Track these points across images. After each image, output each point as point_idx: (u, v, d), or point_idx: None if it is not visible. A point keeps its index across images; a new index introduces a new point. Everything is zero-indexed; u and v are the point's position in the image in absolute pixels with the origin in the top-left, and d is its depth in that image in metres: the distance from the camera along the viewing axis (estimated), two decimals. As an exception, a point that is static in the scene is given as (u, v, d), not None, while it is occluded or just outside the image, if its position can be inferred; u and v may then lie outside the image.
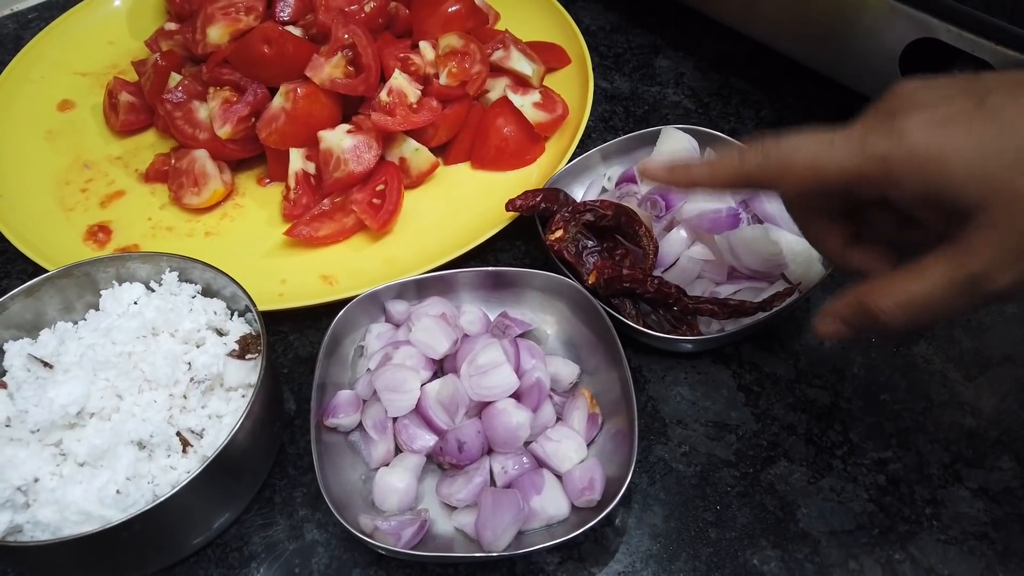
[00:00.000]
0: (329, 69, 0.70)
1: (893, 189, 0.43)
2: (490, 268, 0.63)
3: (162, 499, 0.45)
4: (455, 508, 0.54)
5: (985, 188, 0.40)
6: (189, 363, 0.54)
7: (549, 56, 0.83)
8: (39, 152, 0.79)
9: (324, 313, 0.65)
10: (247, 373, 0.54)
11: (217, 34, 0.73)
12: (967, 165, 0.40)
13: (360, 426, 0.57)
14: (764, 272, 0.62)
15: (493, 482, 0.54)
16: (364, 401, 0.58)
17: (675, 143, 0.69)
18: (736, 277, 0.63)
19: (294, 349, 0.65)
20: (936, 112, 0.42)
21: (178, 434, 0.50)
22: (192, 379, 0.52)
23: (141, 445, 0.50)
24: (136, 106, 0.79)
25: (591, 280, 0.61)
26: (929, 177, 0.41)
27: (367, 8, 0.73)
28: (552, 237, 0.63)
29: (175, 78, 0.76)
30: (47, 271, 0.59)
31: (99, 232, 0.72)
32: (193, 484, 0.46)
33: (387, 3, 0.75)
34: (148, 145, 0.80)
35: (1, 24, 0.96)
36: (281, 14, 0.74)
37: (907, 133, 0.42)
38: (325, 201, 0.71)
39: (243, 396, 0.54)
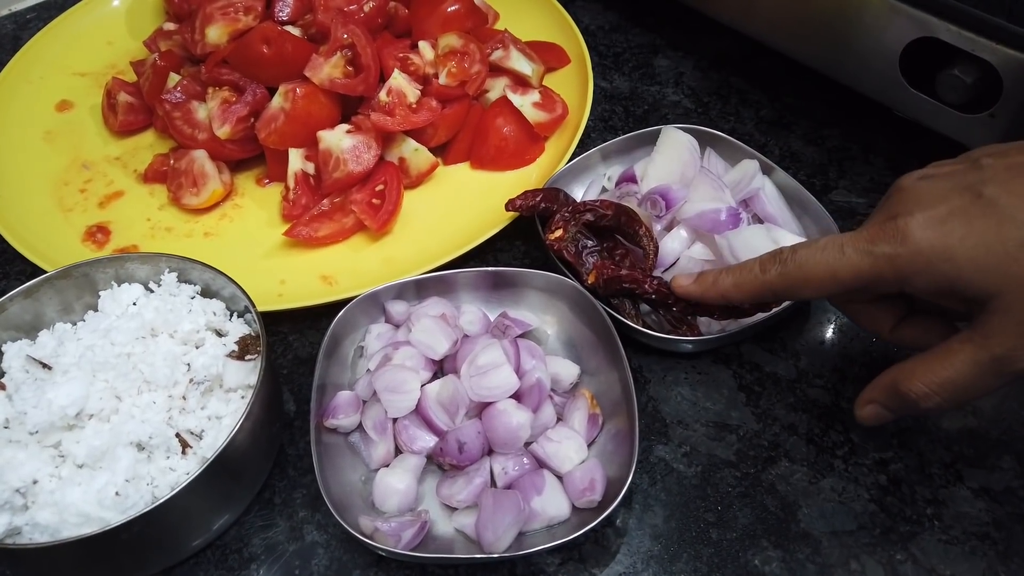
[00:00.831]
0: (328, 69, 0.70)
1: (907, 286, 0.46)
2: (490, 268, 0.63)
3: (161, 501, 0.45)
4: (455, 509, 0.54)
5: (993, 277, 0.43)
6: (188, 364, 0.53)
7: (548, 56, 0.83)
8: (38, 152, 0.79)
9: (324, 313, 0.65)
10: (247, 374, 0.54)
11: (216, 34, 0.73)
12: (972, 258, 0.43)
13: (360, 427, 0.57)
14: (764, 272, 0.62)
15: (493, 483, 0.54)
16: (364, 402, 0.57)
17: (675, 143, 0.68)
18: (736, 277, 0.63)
19: (293, 350, 0.65)
20: (936, 210, 0.44)
21: (177, 435, 0.50)
22: (191, 380, 0.52)
23: (140, 447, 0.49)
24: (135, 106, 0.79)
25: (590, 280, 0.61)
26: (937, 273, 0.44)
27: (366, 8, 0.73)
28: (552, 237, 0.63)
29: (174, 78, 0.75)
30: (46, 272, 0.59)
31: (98, 233, 0.71)
32: (193, 485, 0.46)
33: (386, 3, 0.75)
34: (147, 145, 0.80)
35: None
36: (280, 14, 0.74)
37: (910, 234, 0.45)
38: (324, 201, 0.71)
39: (242, 397, 0.54)
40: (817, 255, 0.48)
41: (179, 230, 0.72)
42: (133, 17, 0.92)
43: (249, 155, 0.75)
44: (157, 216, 0.73)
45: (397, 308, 0.62)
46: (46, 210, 0.73)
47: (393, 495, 0.53)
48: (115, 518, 0.46)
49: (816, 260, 0.48)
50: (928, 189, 0.46)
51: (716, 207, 0.64)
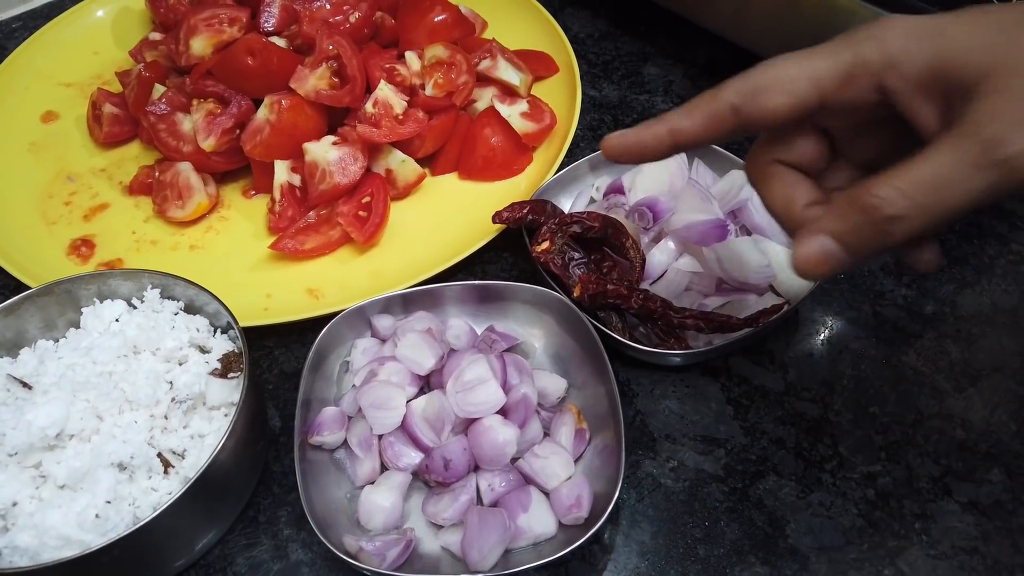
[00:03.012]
0: (314, 80, 0.69)
1: (892, 72, 0.39)
2: (476, 282, 0.62)
3: (143, 523, 0.45)
4: (441, 527, 0.54)
5: (987, 53, 0.37)
6: (171, 382, 0.53)
7: (537, 65, 0.82)
8: (22, 164, 0.78)
9: (310, 327, 0.64)
10: (230, 392, 0.53)
11: (200, 46, 0.72)
12: (966, 35, 0.38)
13: (345, 443, 0.56)
14: (752, 284, 0.62)
15: (480, 500, 0.54)
16: (349, 418, 0.57)
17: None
18: (724, 289, 0.63)
19: (280, 364, 0.64)
20: (919, 16, 0.40)
21: (159, 455, 0.50)
22: (174, 399, 0.52)
23: (122, 467, 0.49)
24: (120, 117, 0.79)
25: (576, 293, 0.61)
26: (928, 52, 0.38)
27: (352, 19, 0.73)
28: (539, 249, 0.63)
29: (159, 89, 0.75)
30: (29, 287, 0.58)
31: (82, 246, 0.71)
32: (175, 506, 0.46)
33: (372, 13, 0.74)
34: (132, 157, 0.79)
35: (-15, 34, 0.95)
36: (265, 25, 0.73)
37: (896, 21, 0.39)
38: (311, 213, 0.71)
39: (226, 415, 0.53)
40: (789, 59, 0.41)
41: (164, 243, 0.72)
42: (119, 27, 0.92)
43: (235, 167, 0.74)
44: (142, 229, 0.73)
45: (383, 322, 0.61)
46: (30, 223, 0.73)
47: (378, 513, 0.53)
48: (96, 540, 0.46)
49: (785, 60, 0.41)
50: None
51: (704, 219, 0.63)
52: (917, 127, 0.40)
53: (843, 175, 0.46)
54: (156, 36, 0.83)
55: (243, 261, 0.70)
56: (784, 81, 0.41)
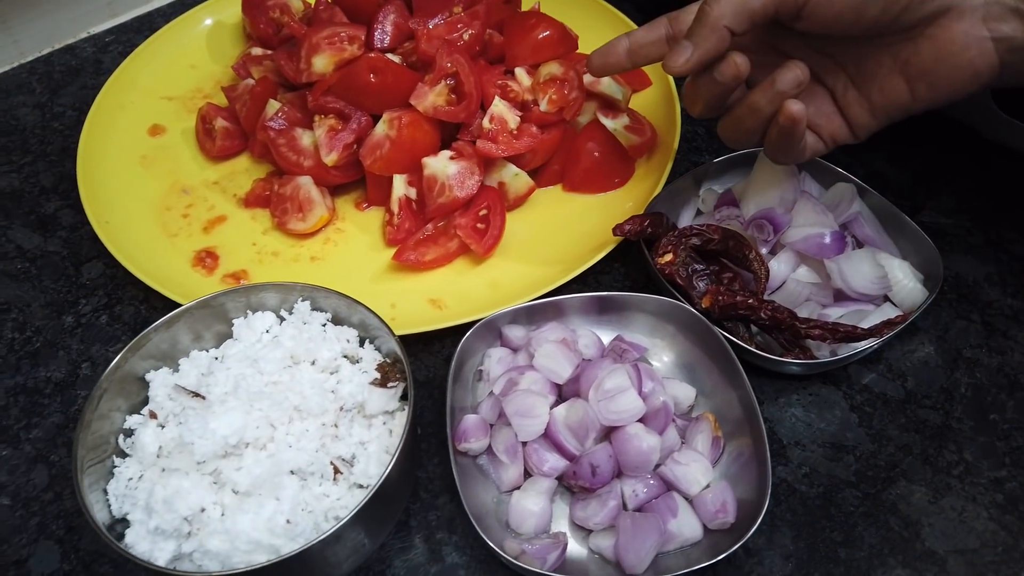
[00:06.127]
0: (433, 97, 0.72)
1: None
2: (600, 293, 0.65)
3: (335, 528, 0.47)
4: (586, 530, 0.56)
5: None
6: (332, 391, 0.55)
7: (631, 78, 0.84)
8: (136, 178, 0.80)
9: (434, 336, 0.66)
10: (387, 401, 0.55)
11: (323, 63, 0.74)
12: None
13: (489, 449, 0.59)
14: (870, 295, 0.64)
15: (624, 505, 0.56)
16: (490, 425, 0.59)
17: (773, 166, 0.70)
18: (843, 300, 0.65)
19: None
20: None
21: (332, 463, 0.52)
22: (341, 408, 0.54)
23: (297, 474, 0.51)
24: (231, 132, 0.81)
25: (706, 304, 0.63)
26: None
27: (465, 36, 0.75)
28: (662, 261, 0.65)
29: (273, 105, 0.77)
30: (161, 295, 0.59)
31: (207, 258, 0.73)
32: (360, 512, 0.48)
33: (483, 31, 0.76)
34: (243, 170, 0.81)
35: (79, 48, 0.97)
36: (379, 43, 0.75)
37: None
38: (428, 226, 0.73)
39: (384, 423, 0.55)
40: None
41: (285, 255, 0.74)
42: (213, 41, 0.94)
43: (350, 180, 0.76)
44: (262, 241, 0.75)
45: (515, 333, 0.63)
46: (153, 236, 0.75)
47: (530, 517, 0.55)
48: (285, 545, 0.48)
49: None
50: None
51: (820, 231, 0.65)
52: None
53: None
54: (258, 51, 0.85)
55: (364, 272, 0.72)
56: None
